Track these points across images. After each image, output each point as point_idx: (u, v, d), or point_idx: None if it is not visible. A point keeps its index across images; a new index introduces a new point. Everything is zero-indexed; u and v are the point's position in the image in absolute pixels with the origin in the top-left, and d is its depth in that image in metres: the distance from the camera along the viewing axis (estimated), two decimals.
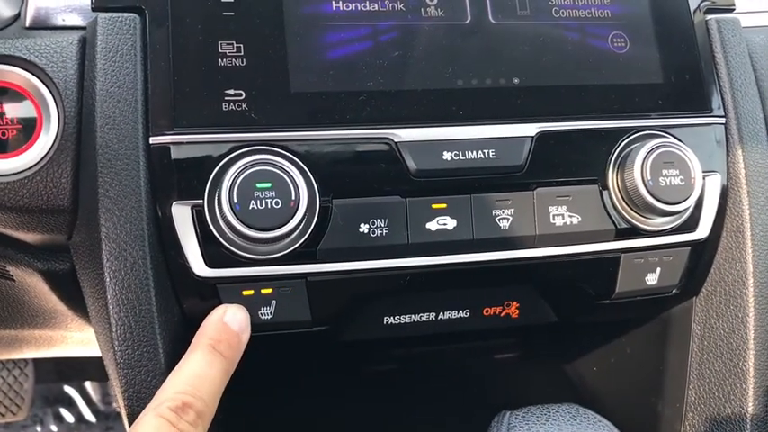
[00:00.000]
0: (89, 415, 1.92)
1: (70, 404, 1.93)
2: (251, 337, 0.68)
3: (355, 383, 0.94)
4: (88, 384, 1.94)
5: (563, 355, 0.92)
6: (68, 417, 1.91)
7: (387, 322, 0.74)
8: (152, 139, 0.64)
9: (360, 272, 0.68)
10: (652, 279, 0.74)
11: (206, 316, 0.66)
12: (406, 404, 0.94)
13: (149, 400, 0.62)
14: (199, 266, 0.64)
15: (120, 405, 0.65)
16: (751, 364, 0.74)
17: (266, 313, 0.67)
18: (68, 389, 1.94)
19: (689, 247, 0.75)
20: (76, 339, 0.99)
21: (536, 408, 0.61)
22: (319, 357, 0.85)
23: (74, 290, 0.76)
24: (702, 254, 0.76)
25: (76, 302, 0.79)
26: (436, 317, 0.75)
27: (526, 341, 0.94)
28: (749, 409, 0.74)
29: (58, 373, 1.94)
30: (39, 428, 1.89)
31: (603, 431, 0.59)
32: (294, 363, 0.85)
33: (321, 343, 0.75)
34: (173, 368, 0.64)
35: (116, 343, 0.63)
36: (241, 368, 0.78)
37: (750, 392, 0.74)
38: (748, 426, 0.74)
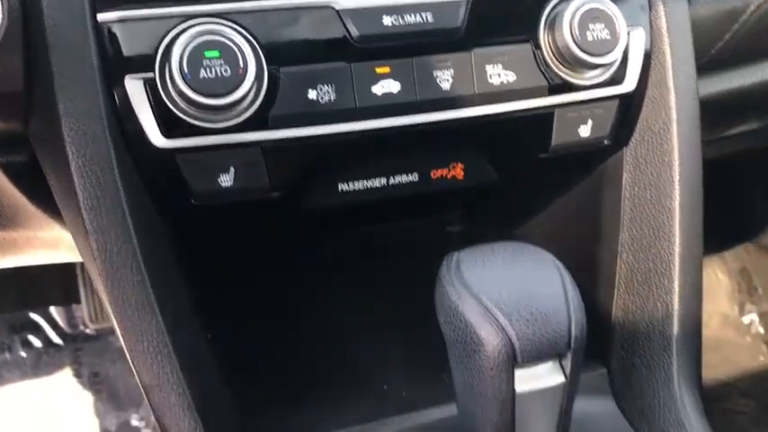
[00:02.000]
0: (57, 339, 1.96)
1: (37, 330, 1.96)
2: (214, 207, 0.72)
3: (316, 265, 0.99)
4: (53, 310, 1.97)
5: (507, 219, 0.97)
6: (36, 342, 1.94)
7: (341, 189, 0.79)
8: (99, 16, 0.66)
9: (312, 138, 0.72)
10: (585, 131, 0.80)
11: (168, 191, 0.70)
12: (364, 281, 0.99)
13: (122, 262, 0.67)
14: (156, 137, 0.67)
15: (93, 273, 0.69)
16: (677, 203, 0.81)
17: (226, 180, 0.71)
18: (34, 316, 1.96)
19: (617, 100, 0.80)
20: (42, 241, 1.01)
21: (483, 246, 0.66)
22: (281, 234, 0.89)
23: (35, 182, 0.78)
24: (630, 105, 0.81)
25: (39, 197, 0.81)
26: (387, 182, 0.80)
27: (473, 210, 0.99)
28: (677, 244, 0.81)
29: (22, 302, 1.96)
30: (8, 355, 1.92)
31: (547, 259, 0.64)
32: (257, 241, 0.89)
33: (281, 213, 0.79)
34: (142, 235, 0.68)
35: (84, 212, 0.66)
36: (208, 246, 0.82)
37: (677, 230, 0.81)
38: (677, 260, 0.81)
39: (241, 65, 0.65)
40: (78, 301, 2.00)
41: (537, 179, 0.87)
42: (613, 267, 0.85)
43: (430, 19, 0.73)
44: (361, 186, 0.79)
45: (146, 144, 0.67)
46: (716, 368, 1.99)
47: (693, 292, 0.82)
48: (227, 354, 0.78)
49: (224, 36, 0.66)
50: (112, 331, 2.12)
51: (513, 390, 0.60)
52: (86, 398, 1.93)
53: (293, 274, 0.94)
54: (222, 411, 0.74)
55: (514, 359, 0.59)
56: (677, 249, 0.81)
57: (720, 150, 1.31)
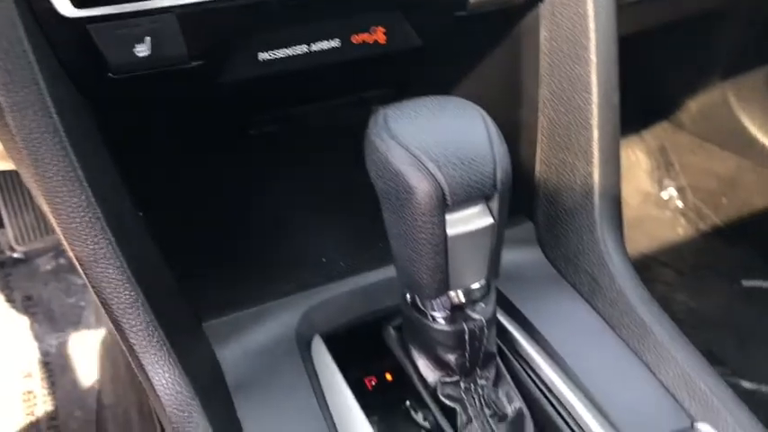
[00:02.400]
0: None
1: None
2: (133, 80, 0.70)
3: (246, 144, 0.98)
4: None
5: (431, 87, 0.98)
6: None
7: (262, 59, 0.78)
8: None
9: (227, 2, 0.70)
10: None
11: (84, 65, 0.67)
12: (295, 160, 0.99)
13: (43, 138, 0.65)
14: (65, 7, 0.65)
15: (16, 158, 0.67)
16: (593, 54, 0.83)
17: (143, 50, 0.69)
18: None
19: None
20: None
21: (409, 101, 0.67)
22: (206, 111, 0.88)
23: None
24: None
25: None
26: (309, 49, 0.79)
27: (397, 82, 1.00)
28: (594, 93, 0.84)
29: None
30: None
31: (471, 108, 0.65)
32: (181, 119, 0.88)
33: (202, 86, 0.78)
34: (62, 112, 0.66)
35: None
36: (132, 124, 0.80)
37: (594, 80, 0.84)
38: (595, 110, 0.84)
39: None
40: (2, 226, 1.94)
41: (458, 42, 0.87)
42: (535, 123, 0.88)
43: None
44: (281, 54, 0.79)
45: (55, 16, 0.65)
46: (638, 243, 2.10)
47: (612, 140, 0.85)
48: (162, 233, 0.78)
49: None
50: (41, 253, 2.09)
51: (445, 233, 0.62)
52: (22, 322, 1.90)
53: (222, 153, 0.93)
54: (161, 284, 0.74)
55: (444, 203, 0.60)
56: (595, 99, 0.83)
57: (636, 20, 1.34)
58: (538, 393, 0.74)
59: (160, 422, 0.74)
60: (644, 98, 1.97)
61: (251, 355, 0.74)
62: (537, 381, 0.75)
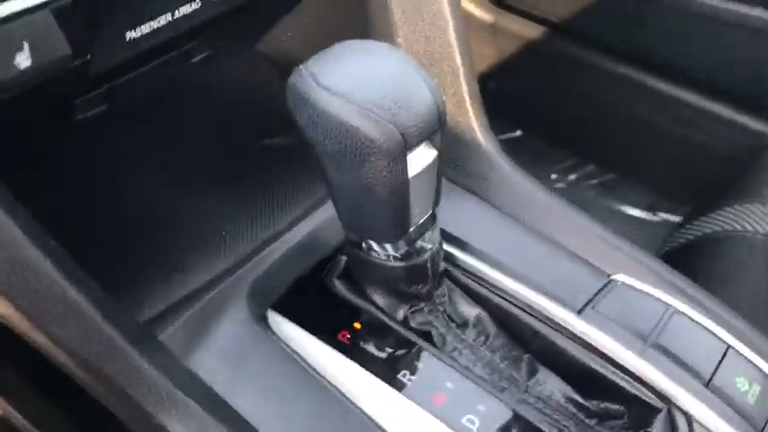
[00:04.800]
0: None
1: None
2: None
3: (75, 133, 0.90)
4: None
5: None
6: None
7: (130, 38, 0.71)
8: None
9: None
10: None
11: None
12: (158, 135, 0.93)
13: None
14: None
15: None
16: None
17: (24, 60, 0.59)
18: None
19: None
20: None
21: (325, 53, 0.66)
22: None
23: None
24: None
25: None
26: (173, 16, 0.74)
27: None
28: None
29: None
30: None
31: (395, 51, 0.66)
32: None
33: (79, 83, 0.70)
34: None
35: None
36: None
37: None
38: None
39: None
40: None
41: None
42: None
43: None
44: (148, 29, 0.72)
45: None
46: None
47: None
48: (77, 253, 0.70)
49: None
50: None
51: (408, 178, 0.64)
52: None
53: (55, 143, 0.85)
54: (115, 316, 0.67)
55: (405, 149, 0.62)
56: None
57: None
58: (485, 292, 0.81)
59: None
60: None
61: (220, 353, 0.71)
62: (479, 282, 0.81)
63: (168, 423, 0.64)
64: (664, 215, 2.15)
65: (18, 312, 0.60)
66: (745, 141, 1.94)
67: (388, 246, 0.72)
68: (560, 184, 2.23)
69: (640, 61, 2.05)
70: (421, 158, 0.65)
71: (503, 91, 1.35)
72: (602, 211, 2.18)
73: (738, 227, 1.38)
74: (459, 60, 0.92)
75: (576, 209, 0.90)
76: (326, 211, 0.84)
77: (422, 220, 0.71)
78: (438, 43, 0.92)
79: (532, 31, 2.10)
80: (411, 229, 0.70)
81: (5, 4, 0.56)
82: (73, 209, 0.85)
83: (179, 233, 0.87)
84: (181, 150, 0.94)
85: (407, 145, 0.62)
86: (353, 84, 0.62)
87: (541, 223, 0.88)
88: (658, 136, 2.12)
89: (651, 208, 2.16)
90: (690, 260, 1.32)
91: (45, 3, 0.59)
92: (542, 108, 2.14)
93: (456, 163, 0.92)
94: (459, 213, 0.88)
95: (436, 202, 0.72)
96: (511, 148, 1.00)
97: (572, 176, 2.24)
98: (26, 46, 0.59)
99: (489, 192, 0.90)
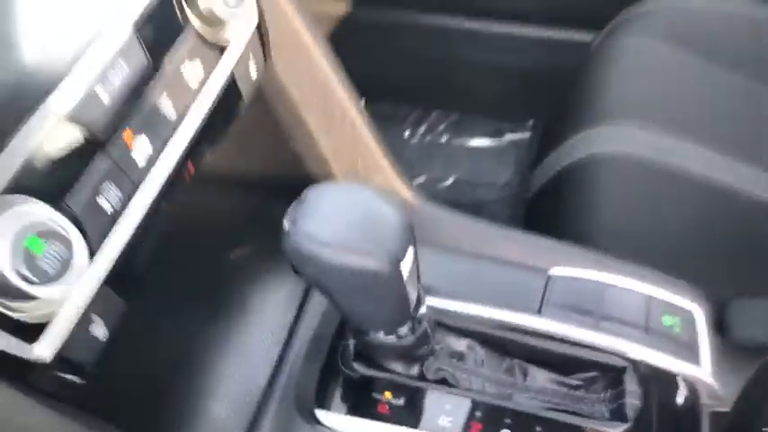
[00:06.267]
0: None
1: None
2: None
3: None
4: None
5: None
6: None
7: None
8: None
9: None
10: None
11: None
12: None
13: None
14: None
15: None
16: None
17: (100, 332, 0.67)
18: None
19: None
20: None
21: (303, 203, 0.78)
22: None
23: None
24: None
25: None
26: None
27: None
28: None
29: None
30: None
31: (354, 185, 0.79)
32: None
33: None
34: None
35: None
36: None
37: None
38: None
39: None
40: None
41: None
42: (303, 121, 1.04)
43: None
44: None
45: None
46: None
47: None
48: None
49: None
50: None
51: (404, 281, 0.80)
52: None
53: None
54: None
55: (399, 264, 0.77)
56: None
57: None
58: (463, 324, 0.99)
59: None
60: None
61: None
62: (453, 317, 0.99)
63: None
64: (510, 136, 2.40)
65: None
66: (560, 54, 2.15)
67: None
68: (415, 139, 2.42)
69: (452, 9, 2.22)
70: (408, 259, 0.81)
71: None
72: (457, 149, 2.41)
73: (596, 150, 1.47)
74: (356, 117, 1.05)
75: (497, 224, 1.10)
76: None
77: (415, 298, 0.88)
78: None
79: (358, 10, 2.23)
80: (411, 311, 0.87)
81: None
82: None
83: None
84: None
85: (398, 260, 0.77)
86: (345, 232, 0.75)
87: (473, 246, 1.07)
88: (484, 69, 2.34)
89: (497, 134, 2.40)
90: (559, 193, 1.50)
91: None
92: (382, 75, 2.25)
93: None
94: None
95: (419, 278, 0.88)
96: None
97: (422, 128, 2.43)
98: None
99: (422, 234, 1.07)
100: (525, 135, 2.41)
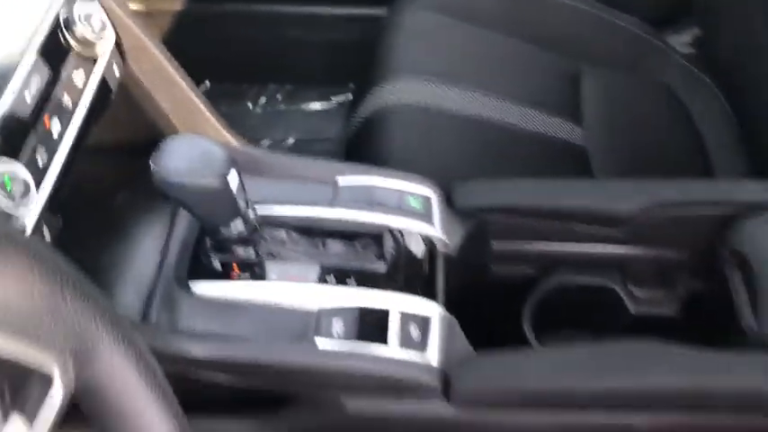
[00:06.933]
0: None
1: None
2: None
3: None
4: None
5: None
6: None
7: None
8: None
9: None
10: None
11: None
12: None
13: None
14: None
15: None
16: None
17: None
18: None
19: None
20: None
21: None
22: None
23: None
24: None
25: None
26: None
27: None
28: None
29: None
30: None
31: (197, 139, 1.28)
32: None
33: None
34: None
35: None
36: None
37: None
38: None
39: None
40: None
41: None
42: None
43: None
44: None
45: None
46: None
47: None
48: None
49: None
50: None
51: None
52: None
53: None
54: None
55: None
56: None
57: None
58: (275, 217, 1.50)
59: None
60: None
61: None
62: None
63: None
64: (336, 99, 2.90)
65: None
66: (367, 28, 2.43)
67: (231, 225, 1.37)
68: (257, 110, 2.88)
69: None
70: (233, 177, 1.30)
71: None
72: (294, 114, 2.89)
73: (388, 101, 1.77)
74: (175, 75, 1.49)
75: (303, 157, 1.61)
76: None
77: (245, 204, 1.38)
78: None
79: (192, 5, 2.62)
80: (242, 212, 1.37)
81: None
82: None
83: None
84: None
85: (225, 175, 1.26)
86: (189, 163, 1.24)
87: (283, 172, 1.56)
88: (309, 46, 2.77)
89: (325, 98, 2.90)
90: (364, 137, 1.79)
91: None
92: (222, 58, 2.65)
93: None
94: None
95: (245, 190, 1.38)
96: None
97: (262, 100, 2.90)
98: None
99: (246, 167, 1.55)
100: (348, 97, 2.90)
